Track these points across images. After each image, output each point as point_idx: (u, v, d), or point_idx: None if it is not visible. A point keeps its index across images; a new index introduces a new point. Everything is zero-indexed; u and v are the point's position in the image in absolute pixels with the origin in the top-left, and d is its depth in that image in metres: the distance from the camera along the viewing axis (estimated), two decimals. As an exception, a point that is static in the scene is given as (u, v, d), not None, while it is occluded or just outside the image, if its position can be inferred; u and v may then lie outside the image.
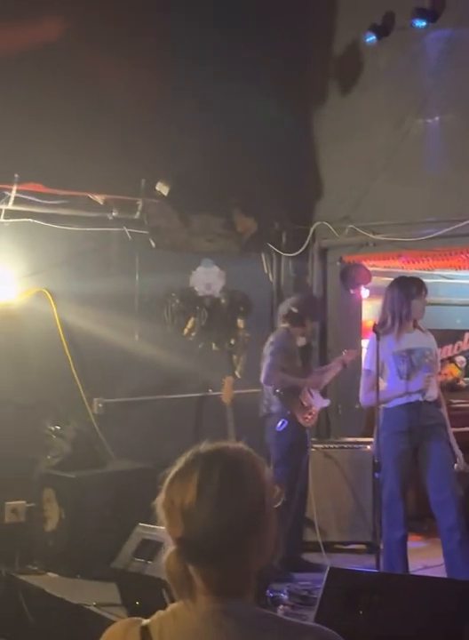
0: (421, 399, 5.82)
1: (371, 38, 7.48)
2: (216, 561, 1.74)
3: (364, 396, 6.04)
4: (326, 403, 6.79)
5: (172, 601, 4.50)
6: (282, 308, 6.81)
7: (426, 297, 5.97)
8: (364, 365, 6.16)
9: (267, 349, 6.50)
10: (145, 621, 1.81)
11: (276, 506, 1.84)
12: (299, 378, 6.53)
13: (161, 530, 5.13)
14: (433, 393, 5.87)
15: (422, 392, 5.82)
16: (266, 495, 1.80)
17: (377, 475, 6.40)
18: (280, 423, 6.40)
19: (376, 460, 6.44)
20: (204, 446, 1.83)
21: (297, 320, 6.61)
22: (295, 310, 6.64)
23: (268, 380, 6.47)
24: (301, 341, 6.74)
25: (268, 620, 1.79)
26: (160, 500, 1.80)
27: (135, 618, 1.86)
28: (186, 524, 1.74)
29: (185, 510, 1.74)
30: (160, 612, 1.82)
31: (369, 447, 7.07)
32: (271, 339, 6.60)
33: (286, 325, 6.63)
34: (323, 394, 6.94)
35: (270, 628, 1.76)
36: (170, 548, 1.76)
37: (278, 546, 1.87)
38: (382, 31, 7.42)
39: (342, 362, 6.77)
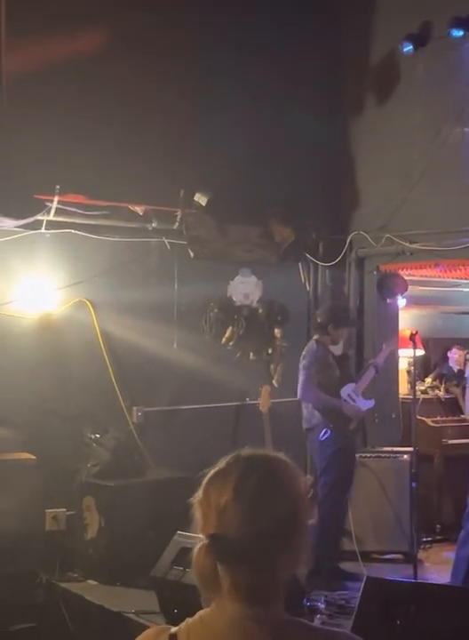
0: None
1: (408, 48, 7.47)
2: (245, 562, 1.75)
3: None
4: (371, 403, 6.75)
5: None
6: (314, 320, 6.85)
7: None
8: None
9: (301, 364, 6.51)
10: (173, 629, 1.81)
11: (310, 521, 1.86)
12: (335, 392, 6.51)
13: (201, 537, 5.19)
14: None
15: None
16: (301, 505, 1.81)
17: (413, 484, 6.42)
18: (323, 433, 6.40)
19: (413, 470, 6.46)
20: (245, 450, 1.85)
21: (322, 329, 6.63)
22: (319, 319, 6.68)
23: (304, 396, 6.49)
24: (336, 350, 6.75)
25: (296, 627, 1.79)
26: (197, 497, 1.83)
27: (163, 625, 1.88)
28: (220, 522, 1.76)
29: (220, 509, 1.76)
30: (188, 620, 1.83)
31: (406, 457, 7.08)
32: (303, 352, 6.62)
33: (316, 336, 6.65)
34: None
35: (298, 634, 1.78)
36: (199, 543, 1.79)
37: (309, 559, 1.88)
38: (419, 41, 7.41)
39: (374, 366, 6.76)
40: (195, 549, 1.78)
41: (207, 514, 1.79)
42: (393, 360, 7.36)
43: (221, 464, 1.83)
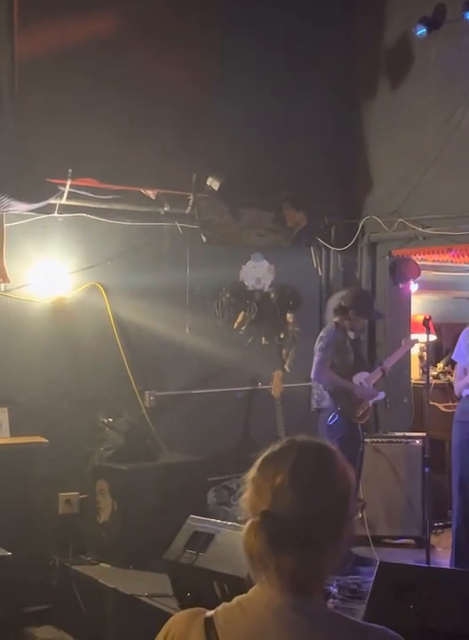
0: None
1: (422, 31, 7.43)
2: (293, 545, 1.75)
3: (455, 385, 6.07)
4: (381, 395, 6.76)
5: (223, 592, 4.53)
6: (333, 302, 6.83)
7: None
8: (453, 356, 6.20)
9: (317, 345, 6.51)
10: (209, 613, 1.81)
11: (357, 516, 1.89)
12: (348, 380, 6.51)
13: (213, 522, 5.21)
14: None
15: None
16: (351, 495, 1.84)
17: (426, 469, 6.43)
18: (331, 417, 6.41)
19: (426, 455, 6.46)
20: (301, 436, 1.88)
21: (342, 312, 6.62)
22: (342, 303, 6.66)
23: (318, 377, 6.49)
24: (352, 335, 6.75)
25: (337, 620, 1.80)
26: (250, 475, 1.83)
27: (198, 608, 1.87)
28: (274, 501, 1.76)
29: (275, 488, 1.77)
30: (225, 604, 1.82)
31: (418, 442, 7.08)
32: (321, 333, 6.62)
33: (336, 319, 6.64)
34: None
35: (338, 628, 1.78)
36: (250, 520, 1.78)
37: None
38: (433, 24, 7.37)
39: (382, 369, 6.74)
40: (246, 526, 1.78)
41: (260, 491, 1.79)
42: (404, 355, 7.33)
43: (276, 445, 1.85)
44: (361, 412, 6.49)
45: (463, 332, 5.98)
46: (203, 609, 1.85)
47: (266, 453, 1.85)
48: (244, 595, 1.82)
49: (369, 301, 6.83)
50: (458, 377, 5.98)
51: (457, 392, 6.09)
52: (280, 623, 1.74)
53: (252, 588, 1.82)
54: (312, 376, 6.47)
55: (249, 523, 1.77)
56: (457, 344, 6.05)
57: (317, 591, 1.81)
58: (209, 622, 1.79)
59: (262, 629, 1.74)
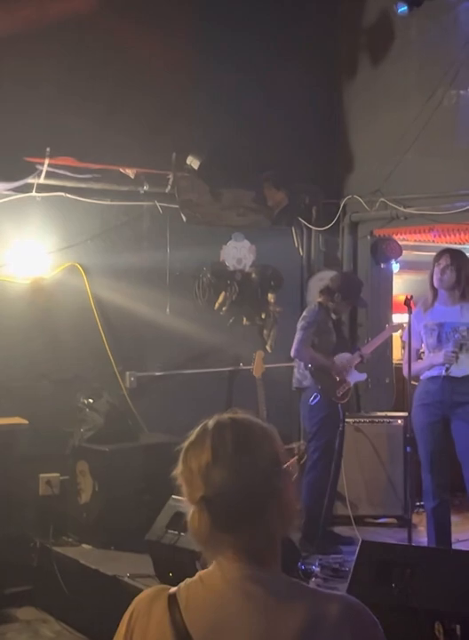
0: (443, 373, 5.72)
1: (403, 9, 7.37)
2: (238, 521, 1.78)
3: (405, 368, 6.01)
4: (362, 377, 6.75)
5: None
6: (315, 282, 6.80)
7: (444, 265, 5.70)
8: (402, 337, 6.16)
9: (299, 324, 6.49)
10: (172, 589, 1.83)
11: (294, 476, 1.88)
12: (328, 359, 6.50)
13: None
14: (463, 369, 5.70)
15: (445, 367, 5.72)
16: (281, 458, 1.85)
17: (407, 448, 6.42)
18: (312, 397, 6.40)
19: (407, 434, 6.45)
20: (212, 419, 1.88)
21: (328, 294, 6.59)
22: (330, 284, 6.63)
23: (298, 355, 6.47)
24: (333, 316, 6.72)
25: (295, 589, 1.82)
26: (178, 470, 1.86)
27: (162, 585, 1.89)
28: (206, 485, 1.79)
29: (203, 472, 1.80)
30: (187, 580, 1.85)
31: (400, 421, 7.08)
32: (304, 313, 6.60)
33: (320, 299, 6.61)
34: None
35: (297, 595, 1.79)
36: (191, 509, 1.80)
37: (300, 515, 1.90)
38: (414, 1, 7.32)
39: (360, 356, 6.72)
40: (189, 516, 1.81)
41: (191, 481, 1.82)
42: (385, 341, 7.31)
43: (193, 434, 1.87)
44: (341, 392, 6.47)
45: (412, 314, 5.93)
46: (167, 586, 1.87)
47: (184, 445, 1.87)
48: (205, 570, 1.84)
49: (357, 288, 6.78)
50: (412, 358, 5.92)
51: (407, 374, 6.00)
52: (239, 595, 1.77)
53: (212, 564, 1.83)
54: (292, 353, 6.45)
55: (191, 512, 1.80)
56: (408, 326, 6.00)
57: (273, 561, 1.83)
58: (172, 598, 1.81)
59: (222, 602, 1.77)
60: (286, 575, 1.83)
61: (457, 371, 5.70)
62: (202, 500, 1.78)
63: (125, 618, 1.87)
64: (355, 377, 6.63)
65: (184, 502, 1.85)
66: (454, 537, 6.10)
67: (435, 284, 5.77)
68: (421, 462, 5.84)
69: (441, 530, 5.81)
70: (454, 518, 6.67)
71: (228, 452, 1.80)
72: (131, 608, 1.88)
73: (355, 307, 7.38)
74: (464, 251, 6.07)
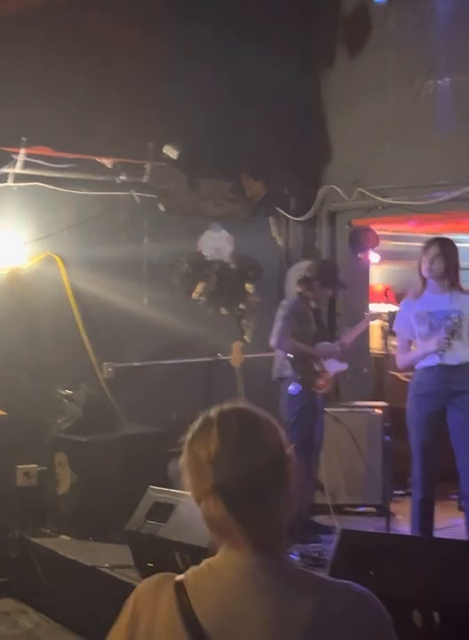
0: (438, 362, 5.71)
1: (381, -1, 7.40)
2: (249, 507, 1.76)
3: (397, 359, 6.00)
4: (343, 367, 6.74)
5: (184, 562, 4.53)
6: (294, 273, 6.79)
7: (434, 254, 5.69)
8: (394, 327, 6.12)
9: (279, 313, 6.48)
10: (178, 577, 1.82)
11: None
12: (309, 346, 6.50)
13: (174, 492, 5.18)
14: (457, 357, 5.65)
15: (439, 355, 5.70)
16: (283, 440, 1.85)
17: (386, 438, 6.45)
18: (292, 387, 6.40)
19: (386, 424, 6.48)
20: (214, 409, 1.88)
21: (307, 283, 6.58)
22: (307, 273, 6.62)
23: (278, 344, 6.46)
24: (313, 305, 6.72)
25: (305, 577, 1.81)
26: (184, 460, 1.83)
27: (166, 573, 1.86)
28: (216, 472, 1.77)
29: (212, 460, 1.78)
30: (194, 568, 1.83)
31: (378, 411, 7.09)
32: (284, 302, 6.59)
33: (299, 289, 6.61)
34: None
35: (307, 584, 1.79)
36: (206, 498, 1.78)
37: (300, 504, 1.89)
38: (391, -9, 7.34)
39: (341, 345, 6.72)
40: (203, 505, 1.79)
41: (200, 470, 1.80)
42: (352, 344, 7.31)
43: (196, 424, 1.85)
44: (321, 382, 6.47)
45: (402, 304, 5.94)
46: (172, 574, 1.85)
47: (188, 436, 1.85)
48: (213, 557, 1.83)
49: (334, 273, 6.78)
50: (402, 349, 5.90)
51: (404, 364, 5.98)
52: (250, 582, 1.75)
53: (219, 551, 1.82)
54: (272, 343, 6.44)
55: (207, 501, 1.78)
56: (398, 315, 5.99)
57: (279, 549, 1.82)
58: (179, 586, 1.79)
59: (232, 590, 1.75)
60: (294, 563, 1.85)
61: (451, 358, 5.64)
62: (214, 488, 1.77)
63: (128, 606, 1.84)
64: (336, 366, 6.63)
65: (189, 494, 1.83)
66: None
67: (424, 274, 5.75)
68: (412, 453, 5.81)
69: (425, 520, 5.81)
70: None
71: (236, 439, 1.79)
72: (133, 596, 1.85)
73: (335, 293, 7.37)
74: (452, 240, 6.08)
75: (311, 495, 6.58)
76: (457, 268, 5.79)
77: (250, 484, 1.76)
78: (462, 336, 5.64)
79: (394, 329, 6.06)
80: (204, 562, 1.83)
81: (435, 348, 5.64)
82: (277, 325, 6.40)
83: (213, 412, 1.85)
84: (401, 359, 5.95)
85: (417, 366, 5.79)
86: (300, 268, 7.26)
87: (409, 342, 5.85)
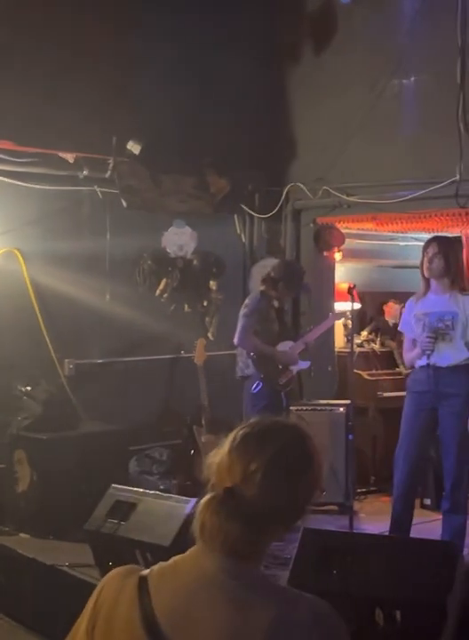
0: (427, 362, 5.63)
1: (346, -2, 7.39)
2: (248, 523, 1.76)
3: (404, 357, 6.02)
4: (305, 365, 6.72)
5: (145, 561, 4.47)
6: (258, 270, 6.76)
7: (432, 253, 5.62)
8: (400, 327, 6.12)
9: (241, 311, 6.45)
10: (144, 571, 1.81)
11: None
12: (271, 346, 6.47)
13: (135, 491, 5.12)
14: (446, 359, 5.63)
15: (427, 355, 5.63)
16: (320, 483, 1.87)
17: (350, 436, 6.44)
18: (254, 385, 6.37)
19: (349, 422, 6.47)
20: (290, 421, 1.91)
21: (272, 283, 6.55)
22: (273, 274, 6.59)
23: (241, 343, 6.44)
24: (275, 304, 6.69)
25: (268, 586, 1.80)
26: (227, 446, 1.82)
27: (134, 566, 1.87)
28: (242, 483, 1.77)
29: (248, 473, 1.77)
30: (161, 564, 1.83)
31: (342, 409, 7.08)
32: (246, 300, 6.56)
33: (262, 288, 6.58)
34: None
35: (268, 593, 1.78)
36: (209, 494, 1.79)
37: None
38: (357, -10, 7.33)
39: (304, 343, 6.71)
40: (205, 499, 1.78)
41: (231, 469, 1.79)
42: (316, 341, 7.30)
43: (262, 425, 1.85)
44: (284, 380, 6.45)
45: (406, 304, 5.94)
46: (139, 567, 1.86)
47: (248, 430, 1.83)
48: (181, 555, 1.83)
49: (299, 276, 6.76)
50: (408, 348, 5.90)
51: (407, 363, 6.03)
52: (212, 585, 1.75)
53: (190, 549, 1.82)
54: (235, 341, 6.42)
55: (209, 497, 1.78)
56: (402, 315, 5.99)
57: (257, 558, 1.82)
58: (143, 580, 1.80)
59: (194, 591, 1.76)
60: (262, 572, 1.83)
61: (441, 360, 5.62)
62: (227, 491, 1.76)
63: (95, 592, 1.85)
64: (299, 365, 6.62)
65: (205, 466, 1.83)
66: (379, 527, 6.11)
67: (425, 274, 5.73)
68: (398, 449, 5.81)
69: (404, 520, 5.80)
70: (380, 506, 6.71)
71: (282, 473, 1.79)
72: (102, 583, 1.86)
73: (297, 295, 7.36)
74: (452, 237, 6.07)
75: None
76: (458, 266, 5.76)
77: (262, 512, 1.76)
78: (454, 338, 5.63)
79: (399, 329, 6.08)
80: (173, 559, 1.82)
81: (420, 348, 5.64)
82: (240, 323, 6.38)
83: (285, 427, 1.86)
84: (405, 358, 6.02)
85: (416, 364, 5.82)
86: (265, 266, 7.22)
87: (414, 342, 5.82)
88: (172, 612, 1.74)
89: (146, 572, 1.81)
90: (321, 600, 1.81)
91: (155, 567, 1.82)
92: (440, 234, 6.11)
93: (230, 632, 1.71)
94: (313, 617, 1.75)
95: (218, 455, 1.82)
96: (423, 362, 5.68)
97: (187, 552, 1.81)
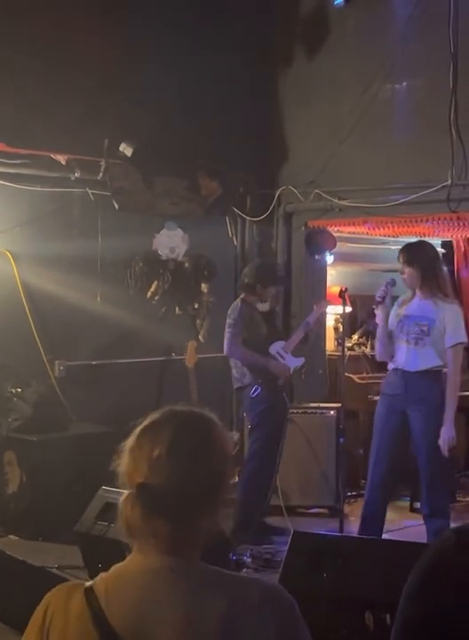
0: (397, 366, 5.68)
1: (339, 1, 7.39)
2: (169, 514, 1.77)
3: (376, 348, 6.06)
4: (300, 362, 6.69)
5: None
6: (241, 278, 6.75)
7: (402, 265, 5.67)
8: None
9: (227, 322, 6.41)
10: (87, 583, 1.81)
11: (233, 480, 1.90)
12: (262, 349, 6.43)
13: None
14: (417, 364, 5.66)
15: (404, 360, 5.66)
16: (229, 467, 1.87)
17: (340, 439, 6.44)
18: (253, 390, 6.34)
19: (340, 425, 6.47)
20: (180, 406, 1.88)
21: (249, 289, 6.52)
22: (246, 280, 6.56)
23: (230, 353, 6.39)
24: (263, 307, 6.65)
25: (215, 576, 1.82)
26: (128, 443, 1.83)
27: (75, 581, 1.88)
28: (150, 473, 1.78)
29: (152, 461, 1.78)
30: (102, 574, 1.82)
31: (332, 412, 7.09)
32: (229, 311, 6.48)
33: (242, 295, 6.55)
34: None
35: (217, 583, 1.80)
36: (127, 491, 1.79)
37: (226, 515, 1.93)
38: (350, -7, 7.34)
39: (306, 324, 6.70)
40: (122, 497, 1.79)
41: (137, 462, 1.80)
42: (320, 317, 7.32)
43: (156, 416, 1.85)
44: (282, 380, 6.46)
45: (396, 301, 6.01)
46: (81, 581, 1.86)
47: (145, 423, 1.84)
48: (121, 563, 1.83)
49: (271, 270, 6.74)
50: (380, 337, 5.94)
51: (376, 349, 6.11)
52: (161, 585, 1.76)
53: (129, 555, 1.83)
54: (225, 352, 6.38)
55: (125, 494, 1.79)
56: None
57: (194, 552, 1.83)
58: (89, 592, 1.79)
59: (144, 593, 1.76)
60: (205, 564, 1.83)
61: (412, 365, 5.65)
62: (140, 487, 1.77)
63: (39, 614, 1.82)
64: (292, 362, 6.59)
65: (118, 476, 1.83)
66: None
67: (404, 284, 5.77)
68: (370, 452, 5.83)
69: (373, 521, 5.81)
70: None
71: (184, 452, 1.79)
72: (44, 603, 1.83)
73: (278, 289, 7.27)
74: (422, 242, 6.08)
75: (269, 496, 6.51)
76: (434, 271, 5.70)
77: (178, 498, 1.77)
78: (426, 345, 5.64)
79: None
80: (114, 567, 1.82)
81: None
82: (227, 334, 6.33)
83: (175, 412, 1.85)
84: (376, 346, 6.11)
85: (388, 366, 5.83)
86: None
87: (389, 335, 5.81)
88: (127, 618, 1.74)
89: (89, 583, 1.80)
90: (268, 580, 1.86)
91: (98, 578, 1.81)
92: (409, 242, 6.11)
93: (186, 626, 1.72)
94: (264, 597, 1.77)
95: (122, 459, 1.83)
96: (392, 365, 5.68)
97: (127, 559, 1.82)
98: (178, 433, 1.80)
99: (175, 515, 1.77)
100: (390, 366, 5.80)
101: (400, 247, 5.96)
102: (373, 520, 5.79)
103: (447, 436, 5.57)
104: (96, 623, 1.73)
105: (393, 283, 5.82)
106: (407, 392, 5.64)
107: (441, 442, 5.56)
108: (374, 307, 5.88)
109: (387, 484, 5.84)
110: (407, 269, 5.65)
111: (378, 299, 5.82)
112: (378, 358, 6.21)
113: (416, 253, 5.72)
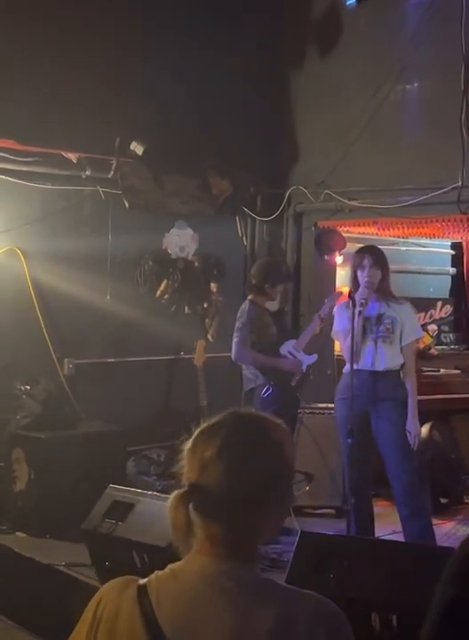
0: (363, 368, 5.64)
1: (351, 2, 7.39)
2: (219, 515, 1.76)
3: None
4: (313, 358, 6.67)
5: (142, 561, 4.46)
6: (248, 279, 6.74)
7: (369, 265, 5.67)
8: None
9: (236, 325, 6.38)
10: (142, 580, 1.80)
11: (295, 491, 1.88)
12: (272, 350, 6.41)
13: (133, 491, 5.12)
14: (383, 362, 5.66)
15: (371, 361, 5.64)
16: (285, 467, 1.83)
17: (349, 440, 6.42)
18: (264, 390, 6.32)
19: (348, 426, 6.45)
20: (241, 410, 1.88)
21: (257, 289, 6.50)
22: (253, 280, 6.54)
23: (239, 357, 6.34)
24: (272, 306, 6.64)
25: (269, 587, 1.78)
26: (187, 445, 1.83)
27: (131, 576, 1.85)
28: (202, 474, 1.77)
29: (204, 461, 1.78)
30: (158, 572, 1.82)
31: (340, 413, 7.08)
32: (238, 313, 6.46)
33: (250, 296, 6.53)
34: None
35: (270, 594, 1.76)
36: (176, 490, 1.79)
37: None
38: (362, -6, 7.33)
39: (319, 316, 6.68)
40: (171, 496, 1.78)
41: (192, 463, 1.81)
42: (331, 311, 7.31)
43: (213, 419, 1.85)
44: (296, 381, 6.44)
45: (337, 308, 6.02)
46: (135, 577, 1.84)
47: (203, 425, 1.85)
48: (177, 562, 1.82)
49: (278, 267, 6.71)
50: (342, 340, 5.97)
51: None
52: (213, 590, 1.74)
53: (185, 557, 1.80)
54: (233, 357, 6.34)
55: (174, 493, 1.78)
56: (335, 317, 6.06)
57: (249, 558, 1.80)
58: (142, 590, 1.78)
59: (194, 595, 1.74)
60: (260, 571, 1.82)
61: (380, 364, 5.63)
62: (190, 487, 1.77)
63: (92, 605, 1.83)
64: (306, 360, 6.57)
65: (179, 478, 1.84)
66: (391, 528, 6.13)
67: (365, 286, 5.73)
68: (343, 455, 5.83)
69: (361, 524, 5.81)
70: (392, 509, 6.69)
71: (236, 451, 1.77)
72: (97, 596, 1.84)
73: (286, 286, 7.25)
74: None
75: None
76: (389, 274, 5.80)
77: (228, 499, 1.75)
78: (393, 341, 5.68)
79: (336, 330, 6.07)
80: (169, 566, 1.81)
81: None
82: (235, 338, 6.29)
83: (233, 415, 1.84)
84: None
85: (344, 369, 5.81)
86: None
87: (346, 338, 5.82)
88: (175, 618, 1.73)
89: (144, 580, 1.80)
90: (326, 599, 1.79)
91: (153, 576, 1.80)
92: (370, 245, 6.14)
93: (234, 635, 1.70)
94: (317, 615, 1.73)
95: (184, 454, 1.83)
96: (357, 366, 5.62)
97: (183, 559, 1.81)
98: (231, 434, 1.79)
99: (226, 516, 1.76)
100: (346, 369, 5.76)
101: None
102: (364, 522, 5.80)
103: (416, 430, 5.62)
104: (146, 623, 1.74)
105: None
106: (373, 392, 5.63)
107: (410, 437, 5.58)
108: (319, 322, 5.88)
109: (368, 481, 5.86)
110: (373, 271, 5.67)
111: (324, 316, 6.10)
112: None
113: (380, 256, 5.80)
